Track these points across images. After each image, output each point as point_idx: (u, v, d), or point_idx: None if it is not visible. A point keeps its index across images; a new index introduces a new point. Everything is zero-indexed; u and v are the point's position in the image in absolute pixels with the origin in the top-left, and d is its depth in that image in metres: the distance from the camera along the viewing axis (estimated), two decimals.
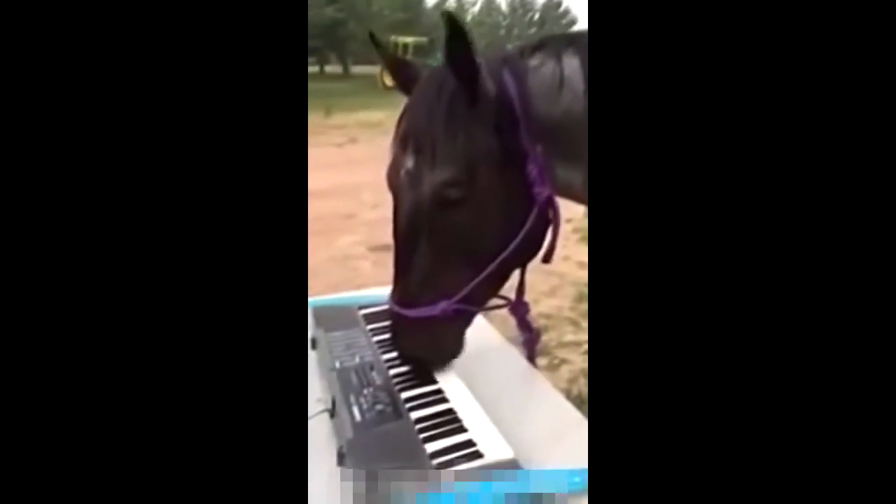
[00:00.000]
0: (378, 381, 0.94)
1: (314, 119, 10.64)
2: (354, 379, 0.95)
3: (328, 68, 26.87)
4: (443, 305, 0.88)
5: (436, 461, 0.75)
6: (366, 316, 1.19)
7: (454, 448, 0.78)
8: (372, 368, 0.98)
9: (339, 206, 5.16)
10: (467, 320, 0.96)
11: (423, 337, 0.92)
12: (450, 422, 0.84)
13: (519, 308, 1.05)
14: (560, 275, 3.57)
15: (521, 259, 0.95)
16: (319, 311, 1.20)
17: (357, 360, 1.01)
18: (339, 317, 1.19)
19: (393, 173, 0.89)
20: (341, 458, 0.77)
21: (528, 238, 0.88)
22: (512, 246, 0.87)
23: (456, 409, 0.87)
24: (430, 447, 0.78)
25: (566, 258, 3.74)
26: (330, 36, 20.58)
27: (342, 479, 0.71)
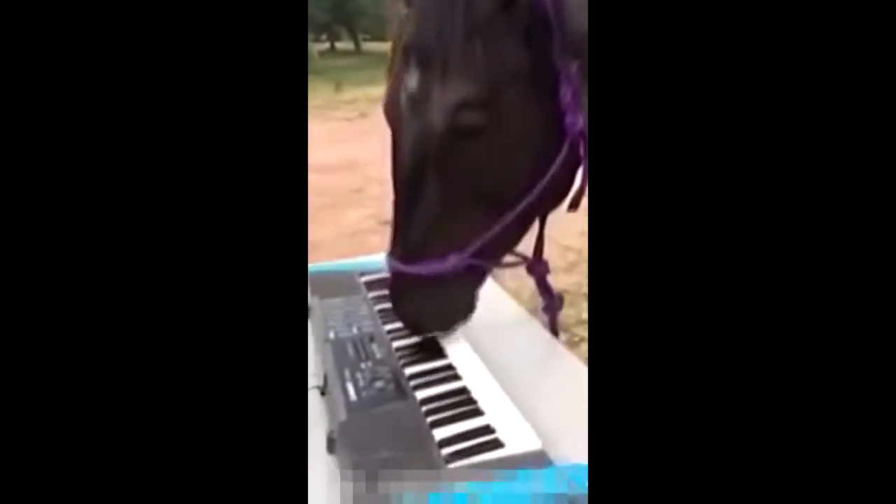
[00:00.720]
0: (379, 354, 0.81)
1: (325, 94, 10.59)
2: (351, 351, 0.81)
3: (339, 45, 26.63)
4: (453, 259, 0.72)
5: (446, 451, 0.62)
6: (368, 283, 1.05)
7: (469, 435, 0.64)
8: (372, 340, 0.84)
9: (348, 181, 5.03)
10: (479, 278, 0.80)
11: (429, 297, 0.77)
12: (463, 403, 0.70)
13: (538, 267, 0.88)
14: (577, 250, 3.40)
15: (546, 206, 0.79)
16: (315, 277, 1.06)
17: (355, 330, 0.88)
18: (337, 283, 1.05)
19: (392, 100, 0.73)
20: (331, 444, 0.64)
21: (556, 180, 0.72)
22: (538, 188, 0.71)
23: (470, 387, 0.73)
24: (440, 433, 0.65)
25: (584, 233, 3.57)
26: (339, 10, 20.24)
27: (342, 479, 0.58)
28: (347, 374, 0.76)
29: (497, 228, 0.73)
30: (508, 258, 0.83)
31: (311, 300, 0.99)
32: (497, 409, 0.68)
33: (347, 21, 23.06)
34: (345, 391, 0.72)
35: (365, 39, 25.86)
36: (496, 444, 0.63)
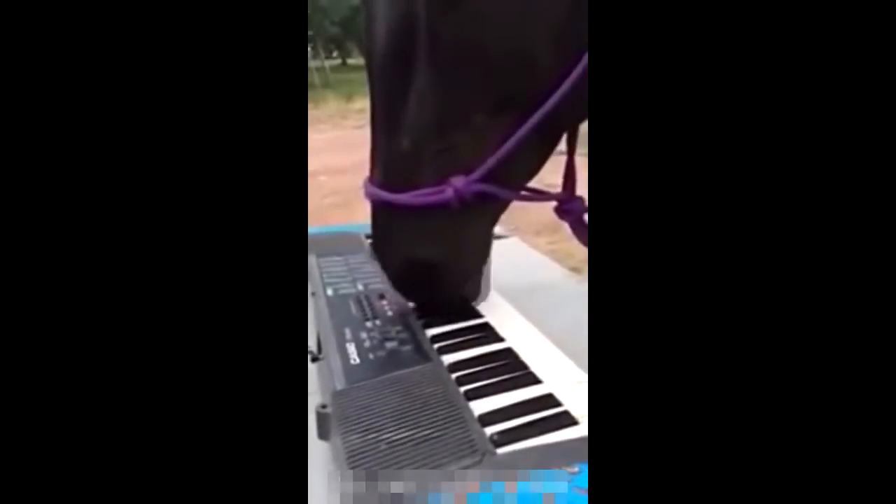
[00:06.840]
0: (391, 312, 0.61)
1: (337, 105, 10.67)
2: (354, 309, 0.62)
3: (350, 61, 27.07)
4: (458, 184, 0.50)
5: (492, 430, 0.42)
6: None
7: (523, 408, 0.44)
8: (382, 297, 0.65)
9: (357, 181, 4.88)
10: (494, 214, 0.57)
11: (426, 237, 0.54)
12: (509, 367, 0.50)
13: (572, 204, 0.59)
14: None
15: (579, 110, 0.52)
16: (313, 237, 0.87)
17: (360, 286, 0.68)
18: (336, 242, 0.86)
19: None
20: (323, 423, 0.44)
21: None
22: (570, 80, 0.47)
23: (517, 349, 0.53)
24: (480, 406, 0.44)
25: None
26: (349, 26, 20.41)
27: (342, 480, 0.38)
28: (349, 333, 0.56)
29: (513, 140, 0.49)
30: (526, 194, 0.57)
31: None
32: (558, 377, 0.48)
33: (358, 37, 23.37)
34: (344, 354, 0.52)
35: None
36: (566, 419, 0.42)
